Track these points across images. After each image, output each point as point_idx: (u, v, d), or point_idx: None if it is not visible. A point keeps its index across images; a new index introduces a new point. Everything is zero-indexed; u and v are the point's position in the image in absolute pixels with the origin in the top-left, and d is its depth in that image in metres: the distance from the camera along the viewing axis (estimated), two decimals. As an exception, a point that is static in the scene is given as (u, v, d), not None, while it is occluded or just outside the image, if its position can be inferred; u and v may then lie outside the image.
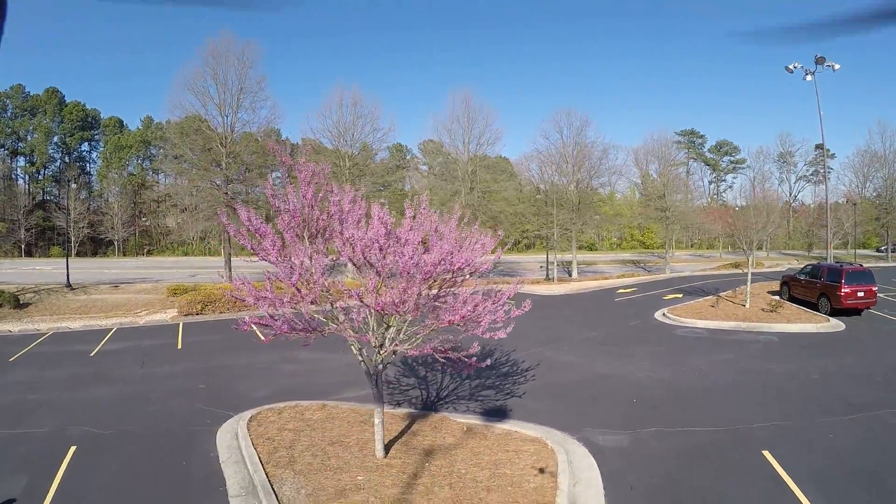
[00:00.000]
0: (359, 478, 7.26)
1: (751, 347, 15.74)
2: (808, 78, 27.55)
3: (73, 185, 56.65)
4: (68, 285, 27.45)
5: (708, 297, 24.51)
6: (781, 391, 11.60)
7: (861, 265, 21.97)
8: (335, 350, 14.80)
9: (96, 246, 62.24)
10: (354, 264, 7.00)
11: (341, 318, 7.07)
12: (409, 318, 7.00)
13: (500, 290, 7.23)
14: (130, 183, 64.13)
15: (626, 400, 11.09)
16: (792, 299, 22.44)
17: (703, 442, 8.93)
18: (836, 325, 18.25)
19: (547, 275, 36.51)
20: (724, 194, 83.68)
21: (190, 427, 9.75)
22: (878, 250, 58.74)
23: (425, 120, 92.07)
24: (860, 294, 19.01)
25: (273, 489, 6.95)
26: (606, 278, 37.19)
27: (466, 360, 6.91)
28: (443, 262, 6.45)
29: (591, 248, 67.80)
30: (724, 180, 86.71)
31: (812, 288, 21.03)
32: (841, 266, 20.41)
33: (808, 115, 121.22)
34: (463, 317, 6.61)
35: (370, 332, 7.29)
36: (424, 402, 10.93)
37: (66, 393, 12.07)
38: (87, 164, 73.08)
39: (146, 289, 28.57)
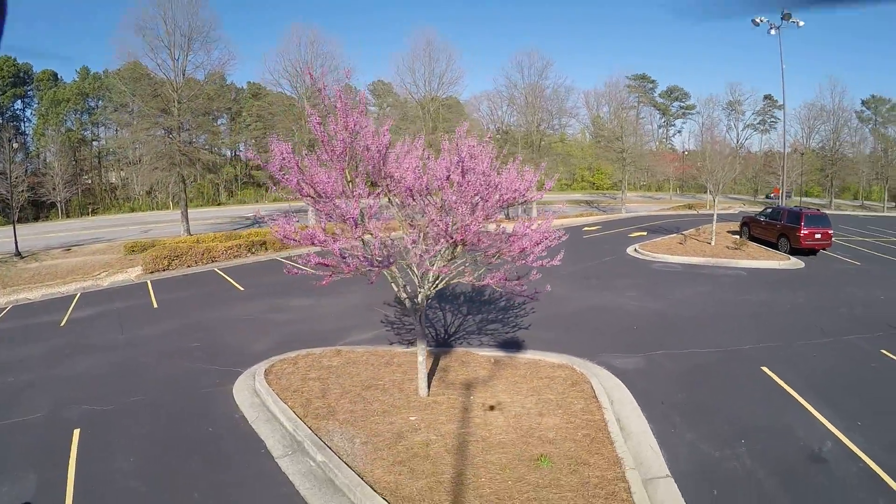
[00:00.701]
0: (411, 418, 7.43)
1: (724, 281, 17.40)
2: (773, 32, 29.56)
3: (15, 145, 50.69)
4: (17, 254, 26.48)
5: (673, 235, 26.43)
6: (760, 319, 13.30)
7: (819, 210, 24.26)
8: (325, 295, 14.86)
9: (38, 210, 57.54)
10: (400, 202, 7.02)
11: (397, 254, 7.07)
12: (467, 250, 7.14)
13: (539, 220, 7.53)
14: (70, 140, 60.92)
15: (627, 328, 12.15)
16: (752, 238, 24.68)
17: (708, 362, 10.15)
18: (796, 262, 20.79)
19: (507, 214, 37.55)
20: (672, 139, 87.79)
21: (199, 389, 9.24)
22: (767, 197, 63.87)
23: (376, 63, 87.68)
24: (817, 236, 21.60)
25: (323, 442, 6.82)
26: (566, 217, 38.68)
27: (530, 292, 7.31)
28: (514, 190, 6.66)
29: (541, 187, 69.71)
30: (674, 125, 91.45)
31: (772, 229, 23.45)
32: (800, 210, 23.06)
33: (758, 66, 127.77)
34: (523, 248, 6.92)
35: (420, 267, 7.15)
36: (437, 340, 11.33)
37: (49, 370, 10.90)
38: (22, 124, 65.46)
39: (100, 249, 27.95)
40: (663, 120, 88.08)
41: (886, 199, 62.75)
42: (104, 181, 64.21)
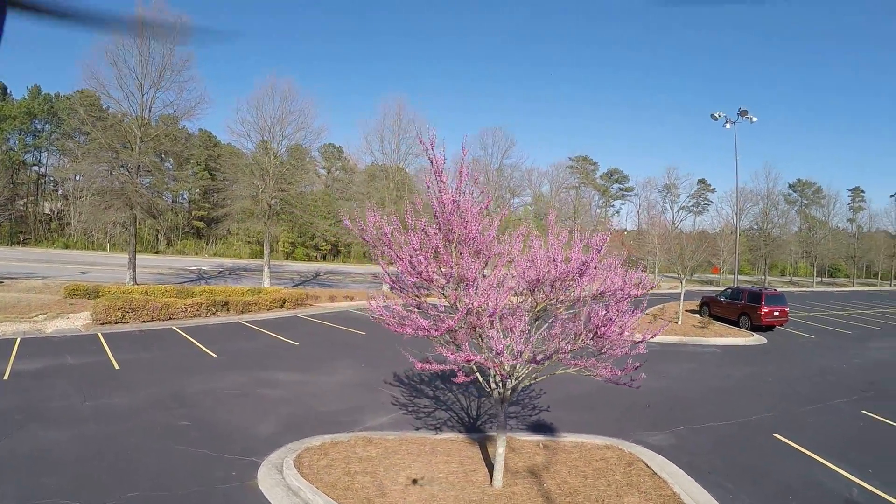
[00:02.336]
0: None
1: (704, 358, 20.32)
2: (728, 126, 37.53)
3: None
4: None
5: (639, 315, 29.33)
6: (752, 391, 16.07)
7: (776, 290, 28.73)
8: (311, 370, 15.47)
9: (-38, 231, 53.82)
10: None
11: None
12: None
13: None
14: (10, 160, 60.84)
15: (641, 406, 14.01)
16: (713, 317, 28.72)
17: (728, 433, 12.26)
18: (759, 338, 25.29)
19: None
20: (611, 219, 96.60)
21: (215, 485, 8.55)
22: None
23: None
24: (776, 314, 26.87)
25: None
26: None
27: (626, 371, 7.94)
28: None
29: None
30: (612, 206, 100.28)
31: (734, 308, 28.61)
32: (760, 290, 28.30)
33: (693, 150, 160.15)
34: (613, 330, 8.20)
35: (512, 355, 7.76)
36: (465, 425, 12.12)
37: (1, 442, 9.66)
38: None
39: (36, 286, 28.42)
40: (602, 201, 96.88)
41: (815, 275, 72.59)
42: (39, 211, 64.66)
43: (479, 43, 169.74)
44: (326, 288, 36.24)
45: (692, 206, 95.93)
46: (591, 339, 7.68)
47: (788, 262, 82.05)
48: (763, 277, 71.63)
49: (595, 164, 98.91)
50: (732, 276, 58.90)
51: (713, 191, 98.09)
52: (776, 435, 12.19)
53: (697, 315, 30.28)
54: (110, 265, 41.62)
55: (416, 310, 8.13)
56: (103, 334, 19.26)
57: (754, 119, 36.33)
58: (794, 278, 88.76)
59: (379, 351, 18.47)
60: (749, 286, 31.67)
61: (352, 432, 10.98)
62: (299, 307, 26.41)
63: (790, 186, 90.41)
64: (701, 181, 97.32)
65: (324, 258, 65.61)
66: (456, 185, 8.06)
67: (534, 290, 8.26)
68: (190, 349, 17.70)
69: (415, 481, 8.89)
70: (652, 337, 8.54)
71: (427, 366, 7.74)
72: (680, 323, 27.22)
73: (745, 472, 10.26)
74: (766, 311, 26.36)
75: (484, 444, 10.83)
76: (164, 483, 8.49)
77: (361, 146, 39.63)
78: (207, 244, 63.14)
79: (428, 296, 8.60)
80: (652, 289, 9.32)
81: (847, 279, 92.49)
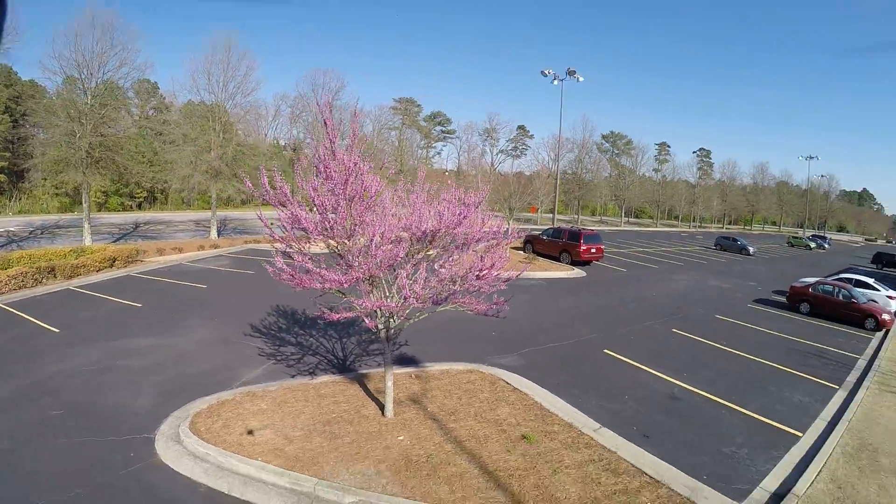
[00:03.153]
0: (399, 438, 9.17)
1: (534, 290, 23.79)
2: (556, 83, 41.46)
3: None
4: None
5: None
6: (580, 317, 19.53)
7: (593, 229, 33.01)
8: (166, 333, 14.70)
9: None
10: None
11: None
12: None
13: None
14: None
15: (487, 335, 16.06)
16: (535, 253, 34.08)
17: (566, 352, 15.12)
18: (579, 272, 29.77)
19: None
20: (433, 160, 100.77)
21: (119, 471, 8.15)
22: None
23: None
24: (593, 250, 31.97)
25: (348, 486, 7.75)
26: None
27: (496, 305, 9.08)
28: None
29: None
30: (434, 147, 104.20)
31: (555, 245, 33.15)
32: (579, 230, 33.13)
33: (514, 98, 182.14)
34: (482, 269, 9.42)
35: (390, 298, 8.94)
36: (336, 367, 12.70)
37: None
38: None
39: None
40: (424, 142, 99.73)
41: (623, 215, 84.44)
42: None
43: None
44: (151, 240, 33.53)
45: (511, 150, 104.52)
46: (475, 279, 8.96)
47: (599, 203, 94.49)
48: (576, 217, 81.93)
49: (419, 106, 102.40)
50: (550, 216, 66.17)
51: (531, 137, 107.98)
52: (606, 350, 15.23)
53: (522, 252, 33.89)
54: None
55: (315, 265, 8.51)
56: None
57: (581, 78, 41.38)
58: (603, 218, 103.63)
59: (226, 304, 18.12)
60: (567, 226, 36.02)
61: (232, 389, 11.09)
62: (130, 265, 23.95)
63: (603, 137, 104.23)
64: (520, 127, 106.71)
65: (139, 206, 58.57)
66: (349, 144, 8.64)
67: (420, 240, 9.07)
68: (26, 328, 15.10)
69: (314, 425, 9.53)
70: (519, 275, 10.18)
71: (337, 315, 8.33)
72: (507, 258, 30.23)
73: (586, 380, 12.68)
74: (584, 248, 31.20)
75: (362, 381, 11.79)
76: (66, 484, 7.77)
77: (188, 83, 36.53)
78: (10, 201, 52.12)
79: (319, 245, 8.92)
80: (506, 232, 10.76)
81: (651, 220, 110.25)
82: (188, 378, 11.78)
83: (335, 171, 8.40)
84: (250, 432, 9.15)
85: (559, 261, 31.90)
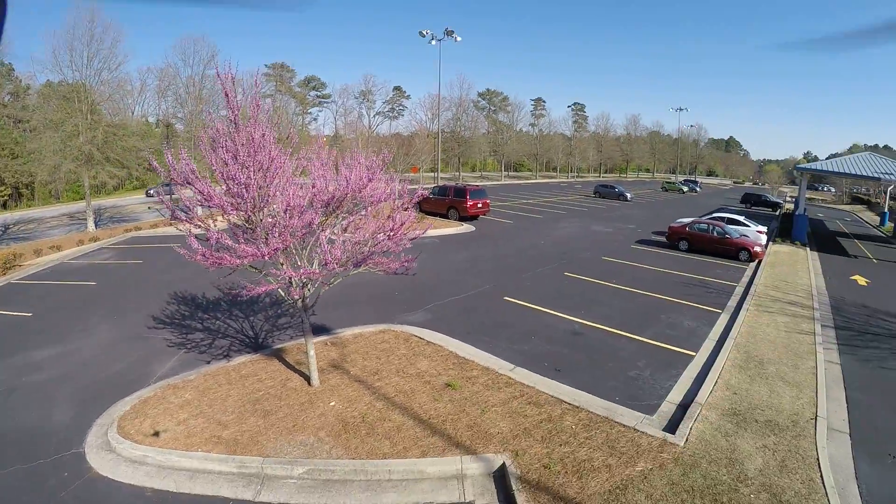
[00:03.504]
0: (332, 404, 9.46)
1: (427, 248, 24.78)
2: (433, 43, 42.18)
3: None
4: None
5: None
6: (476, 270, 20.63)
7: (478, 185, 34.45)
8: (63, 340, 13.56)
9: None
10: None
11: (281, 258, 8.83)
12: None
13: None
14: None
15: (390, 295, 16.68)
16: (423, 212, 34.77)
17: (469, 304, 16.03)
18: (468, 227, 31.18)
19: (173, 213, 37.73)
20: (309, 126, 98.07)
21: (56, 493, 7.64)
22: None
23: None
24: (479, 206, 33.49)
25: (295, 463, 7.97)
26: None
27: (405, 264, 9.51)
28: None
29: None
30: (310, 113, 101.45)
31: (442, 203, 34.22)
32: (464, 187, 34.12)
33: (388, 58, 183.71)
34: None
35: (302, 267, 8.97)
36: (248, 346, 12.60)
37: None
38: None
39: None
40: (299, 108, 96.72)
41: (503, 170, 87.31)
42: None
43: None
44: (26, 241, 30.20)
45: (388, 111, 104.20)
46: (387, 240, 9.38)
47: (479, 160, 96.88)
48: (458, 174, 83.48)
49: (292, 71, 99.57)
50: (432, 174, 67.02)
51: (408, 97, 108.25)
52: (506, 297, 16.46)
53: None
54: None
55: (233, 243, 8.39)
56: None
57: (459, 38, 42.36)
58: (483, 173, 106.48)
59: (121, 298, 16.89)
60: (452, 183, 36.78)
61: (151, 386, 10.69)
62: (9, 272, 21.12)
63: (480, 95, 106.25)
64: (396, 88, 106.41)
65: (4, 206, 50.93)
66: (252, 116, 8.60)
67: (328, 205, 9.26)
68: None
69: (244, 406, 9.52)
70: (423, 233, 10.77)
71: (262, 289, 8.38)
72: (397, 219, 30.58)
73: (494, 328, 13.76)
74: (470, 203, 32.62)
75: (280, 356, 11.84)
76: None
77: (49, 62, 33.16)
78: None
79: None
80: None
81: (530, 173, 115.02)
82: (101, 383, 11.14)
83: (241, 145, 8.29)
84: (182, 423, 8.97)
85: (447, 217, 33.04)
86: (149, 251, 24.75)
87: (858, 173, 31.72)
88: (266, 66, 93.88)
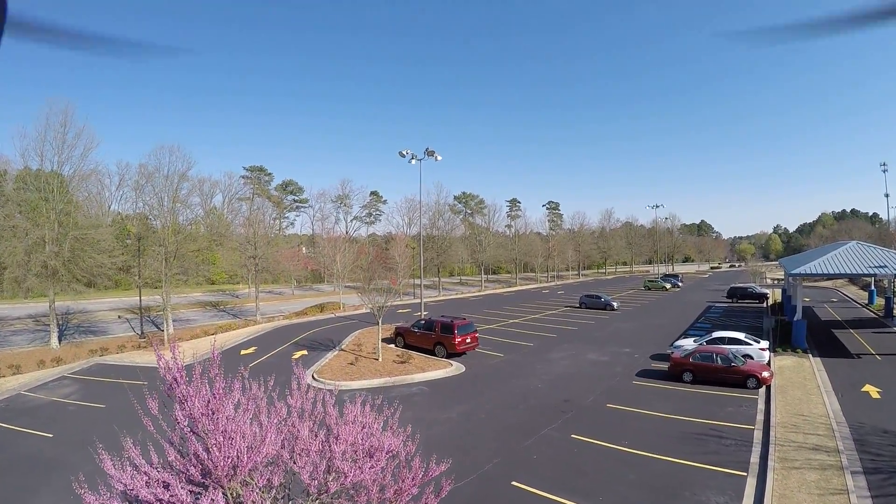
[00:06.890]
0: None
1: (416, 400, 23.36)
2: (413, 162, 44.52)
3: None
4: None
5: (335, 352, 33.73)
6: (474, 433, 19.01)
7: (465, 318, 34.06)
8: None
9: None
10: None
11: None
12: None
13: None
14: None
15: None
16: (407, 346, 34.05)
17: (474, 490, 14.23)
18: (459, 367, 29.75)
19: (142, 332, 36.60)
20: (286, 230, 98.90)
21: None
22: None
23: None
24: (468, 340, 32.37)
25: None
26: (208, 332, 40.93)
27: None
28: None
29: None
30: (286, 217, 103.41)
31: (428, 338, 33.28)
32: (451, 321, 32.95)
33: (367, 165, 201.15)
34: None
35: None
36: None
37: None
38: None
39: None
40: (277, 212, 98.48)
41: (482, 274, 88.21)
42: None
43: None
44: None
45: (365, 216, 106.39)
46: None
47: (457, 265, 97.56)
48: (437, 279, 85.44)
49: (270, 174, 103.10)
50: (412, 282, 66.37)
51: (385, 202, 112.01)
52: (514, 483, 14.84)
53: (392, 345, 34.51)
54: None
55: None
56: None
57: (439, 158, 43.92)
58: (463, 278, 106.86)
59: (80, 462, 14.27)
60: (438, 317, 35.96)
61: None
62: None
63: (456, 198, 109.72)
64: (373, 193, 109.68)
65: None
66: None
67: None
68: None
69: None
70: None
71: None
72: (381, 360, 30.03)
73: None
74: (459, 340, 31.53)
75: None
76: None
77: (18, 162, 35.17)
78: None
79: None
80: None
81: (509, 275, 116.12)
82: None
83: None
84: None
85: (434, 354, 32.00)
86: (113, 389, 23.22)
87: (854, 272, 32.11)
88: (244, 168, 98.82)
